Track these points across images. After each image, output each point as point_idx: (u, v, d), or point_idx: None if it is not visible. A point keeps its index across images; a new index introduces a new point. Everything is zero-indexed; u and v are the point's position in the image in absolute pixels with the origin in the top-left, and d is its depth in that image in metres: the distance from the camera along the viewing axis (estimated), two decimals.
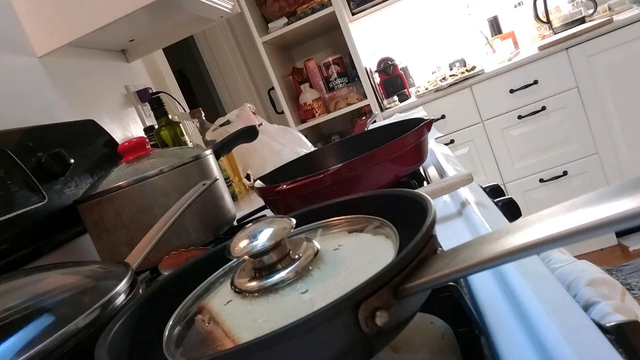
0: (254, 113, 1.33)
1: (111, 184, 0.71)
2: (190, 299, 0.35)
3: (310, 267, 0.30)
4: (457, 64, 2.46)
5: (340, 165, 0.63)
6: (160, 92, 1.37)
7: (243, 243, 0.30)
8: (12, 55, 0.95)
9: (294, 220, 0.32)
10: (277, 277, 0.29)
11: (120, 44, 1.31)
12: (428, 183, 0.76)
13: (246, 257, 0.31)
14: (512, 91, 2.10)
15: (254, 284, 0.30)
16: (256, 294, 0.29)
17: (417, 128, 0.68)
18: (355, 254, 0.32)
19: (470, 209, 0.55)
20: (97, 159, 0.92)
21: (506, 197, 0.65)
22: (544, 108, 2.08)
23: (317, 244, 0.32)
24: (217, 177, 0.78)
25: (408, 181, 0.71)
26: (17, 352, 0.31)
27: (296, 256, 0.31)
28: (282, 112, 2.41)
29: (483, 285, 0.36)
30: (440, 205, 0.62)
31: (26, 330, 0.34)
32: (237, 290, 0.31)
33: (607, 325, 0.28)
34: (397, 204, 0.35)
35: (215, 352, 0.27)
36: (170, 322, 0.32)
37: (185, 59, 3.25)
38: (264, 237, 0.30)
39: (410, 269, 0.24)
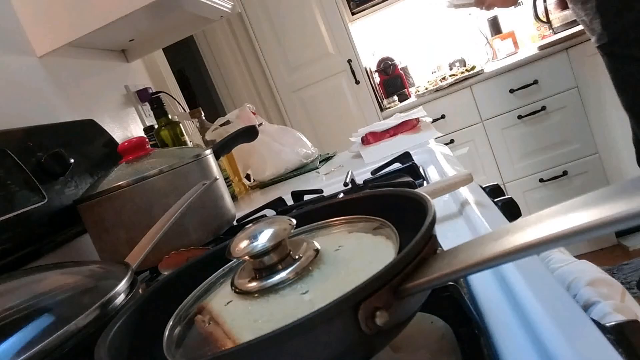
0: (254, 113, 1.33)
1: (111, 184, 0.71)
2: (190, 300, 0.35)
3: (310, 268, 0.30)
4: (457, 64, 2.46)
5: None
6: (160, 92, 1.37)
7: (243, 244, 0.30)
8: (12, 55, 0.95)
9: (294, 221, 0.32)
10: (277, 278, 0.29)
11: (120, 44, 1.31)
12: (428, 183, 0.76)
13: (246, 257, 0.31)
14: (512, 91, 2.10)
15: (254, 284, 0.30)
16: (256, 295, 0.29)
17: None
18: (356, 255, 0.32)
19: (470, 209, 0.55)
20: (97, 159, 0.92)
21: (506, 197, 0.65)
22: (544, 108, 2.08)
23: (317, 244, 0.32)
24: (217, 177, 0.78)
25: (408, 181, 0.71)
26: (17, 352, 0.31)
27: (297, 257, 0.31)
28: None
29: (483, 285, 0.36)
30: (440, 205, 0.62)
31: (26, 330, 0.34)
32: (237, 290, 0.31)
33: (607, 325, 0.28)
34: (397, 204, 0.35)
35: (216, 352, 0.27)
36: (171, 323, 0.32)
37: (185, 59, 3.25)
38: (264, 237, 0.30)
39: (410, 269, 0.24)
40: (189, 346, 0.29)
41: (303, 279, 0.29)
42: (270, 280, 0.29)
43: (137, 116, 1.32)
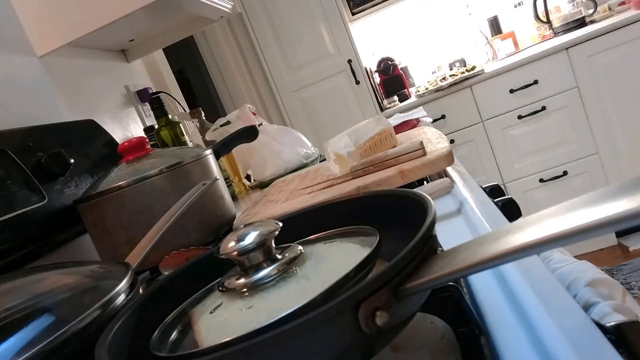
0: (254, 113, 1.33)
1: (111, 184, 0.71)
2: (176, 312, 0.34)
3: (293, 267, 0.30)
4: (457, 64, 2.46)
5: None
6: (160, 92, 1.37)
7: (231, 244, 0.31)
8: (12, 55, 0.95)
9: (280, 224, 0.32)
10: (262, 274, 0.30)
11: (120, 44, 1.31)
12: (428, 182, 0.76)
13: (234, 254, 0.31)
14: (512, 91, 2.10)
15: (240, 281, 0.30)
16: (244, 292, 0.30)
17: None
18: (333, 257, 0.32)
19: (470, 208, 0.55)
20: (97, 159, 0.92)
21: (506, 197, 0.65)
22: (544, 108, 2.08)
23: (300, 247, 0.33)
24: (217, 177, 0.78)
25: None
26: (17, 352, 0.31)
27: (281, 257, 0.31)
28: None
29: (483, 285, 0.36)
30: (440, 205, 0.62)
31: (26, 330, 0.34)
32: (223, 289, 0.31)
33: (607, 325, 0.28)
34: (397, 204, 0.35)
35: (216, 353, 0.27)
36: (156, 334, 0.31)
37: (185, 59, 3.25)
38: (251, 238, 0.30)
39: (410, 269, 0.24)
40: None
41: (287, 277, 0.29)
42: (255, 276, 0.30)
43: (137, 116, 1.32)
